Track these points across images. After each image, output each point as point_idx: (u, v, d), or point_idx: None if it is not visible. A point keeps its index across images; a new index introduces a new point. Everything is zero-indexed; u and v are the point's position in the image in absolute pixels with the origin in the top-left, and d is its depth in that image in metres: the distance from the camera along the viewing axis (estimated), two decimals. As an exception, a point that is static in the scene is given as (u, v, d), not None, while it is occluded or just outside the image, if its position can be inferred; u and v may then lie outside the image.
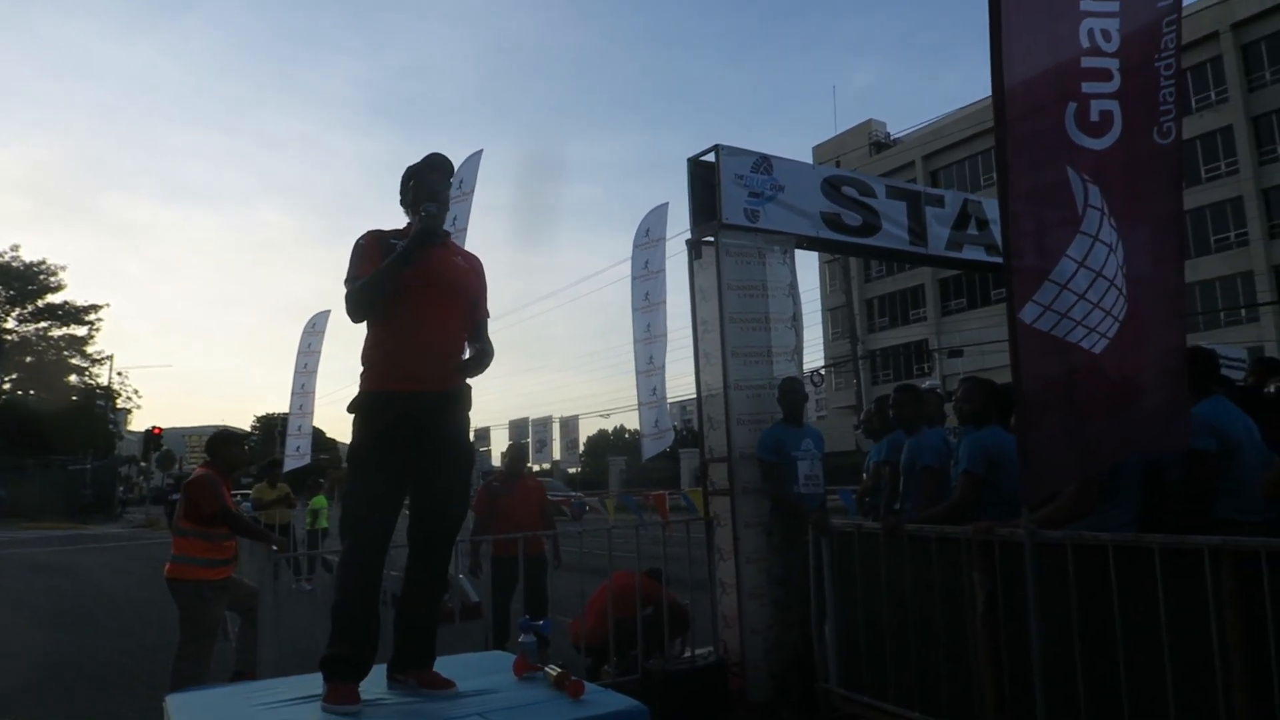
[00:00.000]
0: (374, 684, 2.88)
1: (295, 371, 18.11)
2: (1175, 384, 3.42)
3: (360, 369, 3.01)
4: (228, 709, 2.76)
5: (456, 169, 3.54)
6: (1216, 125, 34.38)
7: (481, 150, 7.84)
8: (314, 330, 18.41)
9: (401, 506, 3.03)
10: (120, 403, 52.06)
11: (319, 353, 18.24)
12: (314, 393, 17.93)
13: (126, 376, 63.79)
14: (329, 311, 18.68)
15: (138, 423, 57.67)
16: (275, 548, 4.61)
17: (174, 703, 2.83)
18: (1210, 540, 2.92)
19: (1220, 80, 34.50)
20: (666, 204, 12.21)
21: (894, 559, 4.16)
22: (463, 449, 3.12)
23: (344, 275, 2.96)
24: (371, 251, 2.95)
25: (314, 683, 2.95)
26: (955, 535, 3.84)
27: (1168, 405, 3.40)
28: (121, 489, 47.02)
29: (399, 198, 3.20)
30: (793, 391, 5.24)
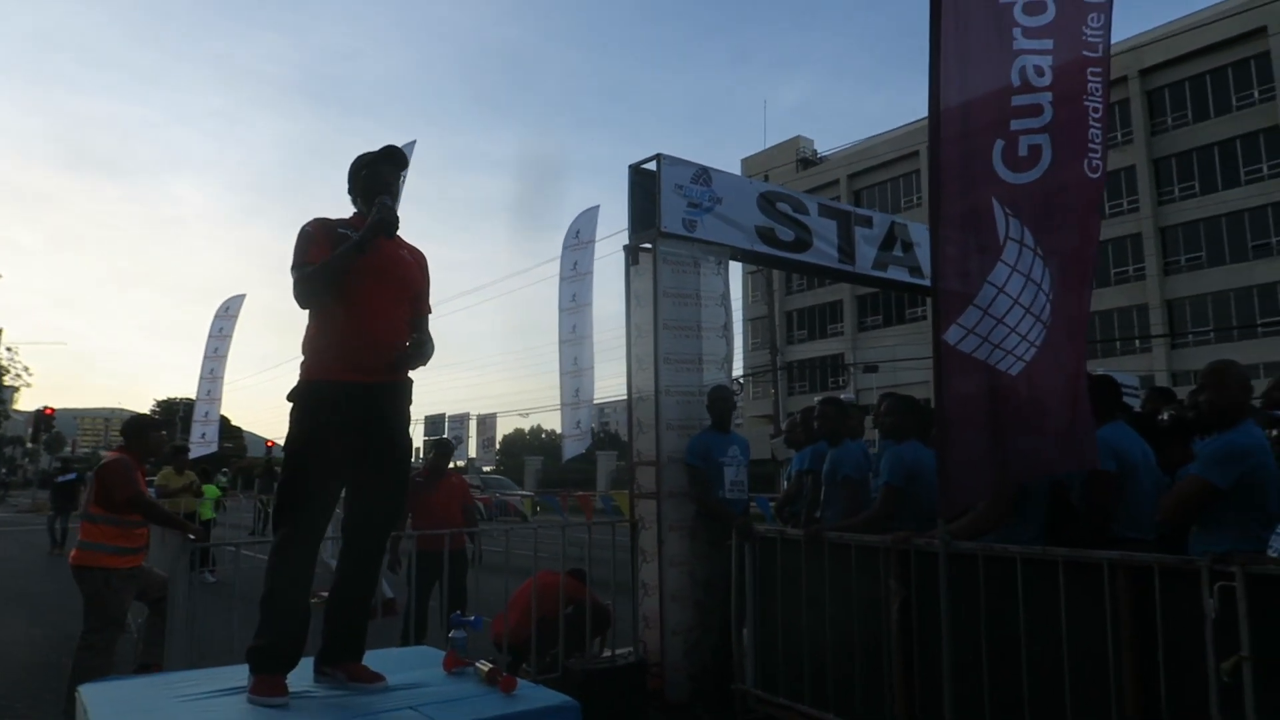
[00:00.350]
0: (301, 677, 2.85)
1: (204, 356, 17.52)
2: (1082, 407, 3.65)
3: (301, 358, 2.98)
4: (149, 701, 2.69)
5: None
6: (1120, 165, 36.25)
7: (415, 141, 7.76)
8: (226, 314, 17.84)
9: (338, 499, 3.01)
10: (8, 380, 49.25)
11: (230, 337, 17.69)
12: (223, 379, 17.40)
13: (16, 352, 60.39)
14: (243, 296, 18.14)
15: (25, 402, 54.67)
16: (192, 536, 4.48)
17: (89, 694, 2.74)
18: (1109, 555, 3.14)
19: (1126, 122, 36.42)
20: (597, 207, 12.29)
21: (815, 565, 4.30)
22: (403, 443, 3.11)
23: (290, 262, 2.92)
24: (320, 239, 2.93)
25: (237, 674, 2.90)
26: (874, 544, 4.00)
27: (1075, 427, 3.62)
28: (4, 470, 44.53)
29: (347, 187, 3.18)
30: (722, 399, 5.36)
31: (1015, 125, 3.75)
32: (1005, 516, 3.74)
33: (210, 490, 13.18)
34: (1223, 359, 3.65)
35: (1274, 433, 3.08)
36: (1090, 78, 3.75)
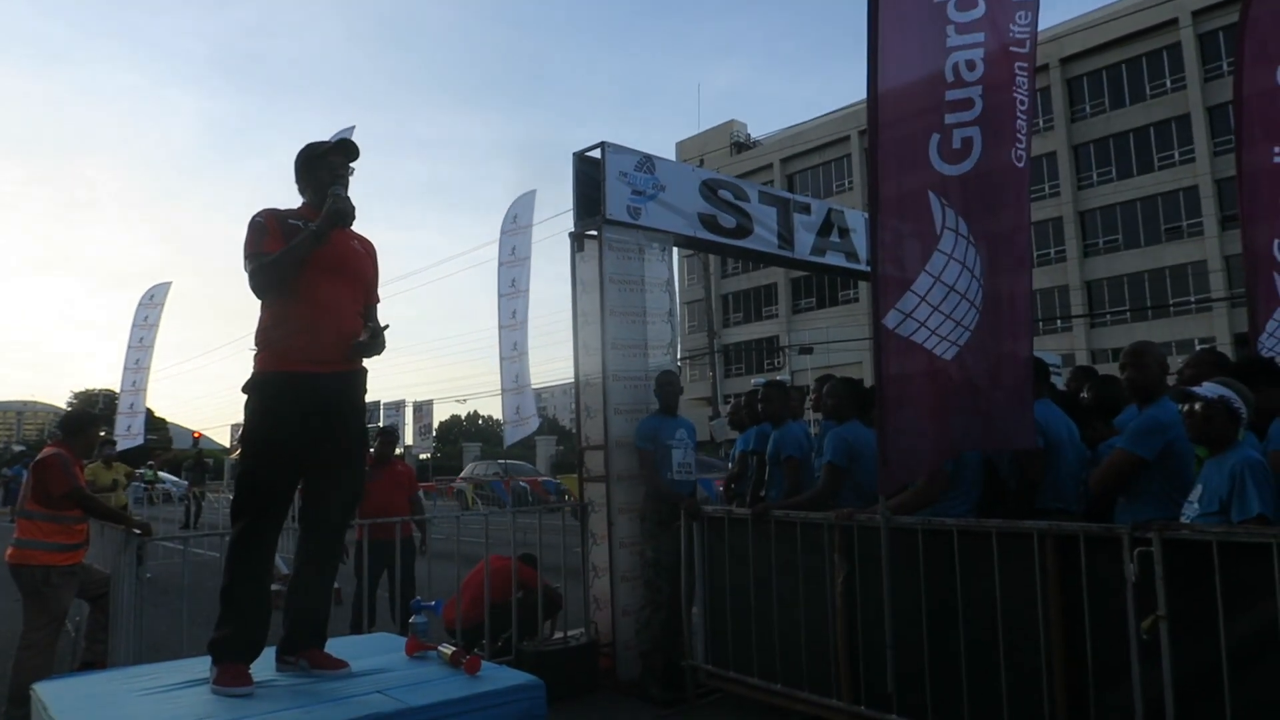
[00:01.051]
0: (264, 666, 2.86)
1: (129, 346, 16.95)
2: (1021, 387, 3.83)
3: (256, 350, 2.98)
4: (108, 694, 2.68)
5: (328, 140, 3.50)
6: (1042, 150, 37.45)
7: (354, 126, 7.67)
8: (151, 302, 17.28)
9: (296, 489, 3.02)
10: (-88, 372, 46.83)
11: (156, 326, 17.14)
12: (149, 369, 16.86)
13: (-80, 343, 57.43)
14: (169, 284, 17.59)
15: (-69, 395, 52.02)
16: (138, 531, 4.40)
17: (46, 691, 2.71)
18: (1039, 525, 3.35)
19: (1048, 109, 37.60)
20: (534, 191, 12.27)
21: (761, 543, 4.45)
22: (359, 431, 3.13)
23: (245, 253, 2.91)
24: (273, 230, 2.92)
25: (196, 666, 2.92)
26: (818, 520, 4.17)
27: (1012, 406, 3.81)
28: (-90, 468, 42.35)
29: (295, 177, 3.17)
30: (669, 384, 5.47)
31: (949, 119, 3.91)
32: (940, 492, 3.93)
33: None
34: (1142, 340, 3.89)
35: (1185, 408, 3.31)
36: (1018, 71, 3.93)
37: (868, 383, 4.66)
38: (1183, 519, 3.15)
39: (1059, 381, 6.32)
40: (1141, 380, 3.61)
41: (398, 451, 8.11)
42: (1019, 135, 3.86)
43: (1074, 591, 3.20)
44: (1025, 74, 3.86)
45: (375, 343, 3.03)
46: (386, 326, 3.07)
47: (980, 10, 3.84)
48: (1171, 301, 33.71)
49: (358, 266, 3.11)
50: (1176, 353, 22.61)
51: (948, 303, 3.82)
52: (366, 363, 3.10)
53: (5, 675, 4.56)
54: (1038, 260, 37.62)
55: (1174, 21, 33.54)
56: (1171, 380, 3.92)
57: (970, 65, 3.84)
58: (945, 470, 3.93)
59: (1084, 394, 4.77)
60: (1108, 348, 33.80)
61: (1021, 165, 3.87)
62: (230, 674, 2.68)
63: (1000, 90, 3.88)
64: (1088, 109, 37.21)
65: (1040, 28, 3.97)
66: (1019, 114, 3.86)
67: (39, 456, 4.78)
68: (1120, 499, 3.54)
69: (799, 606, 4.22)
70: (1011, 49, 3.90)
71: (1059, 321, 36.65)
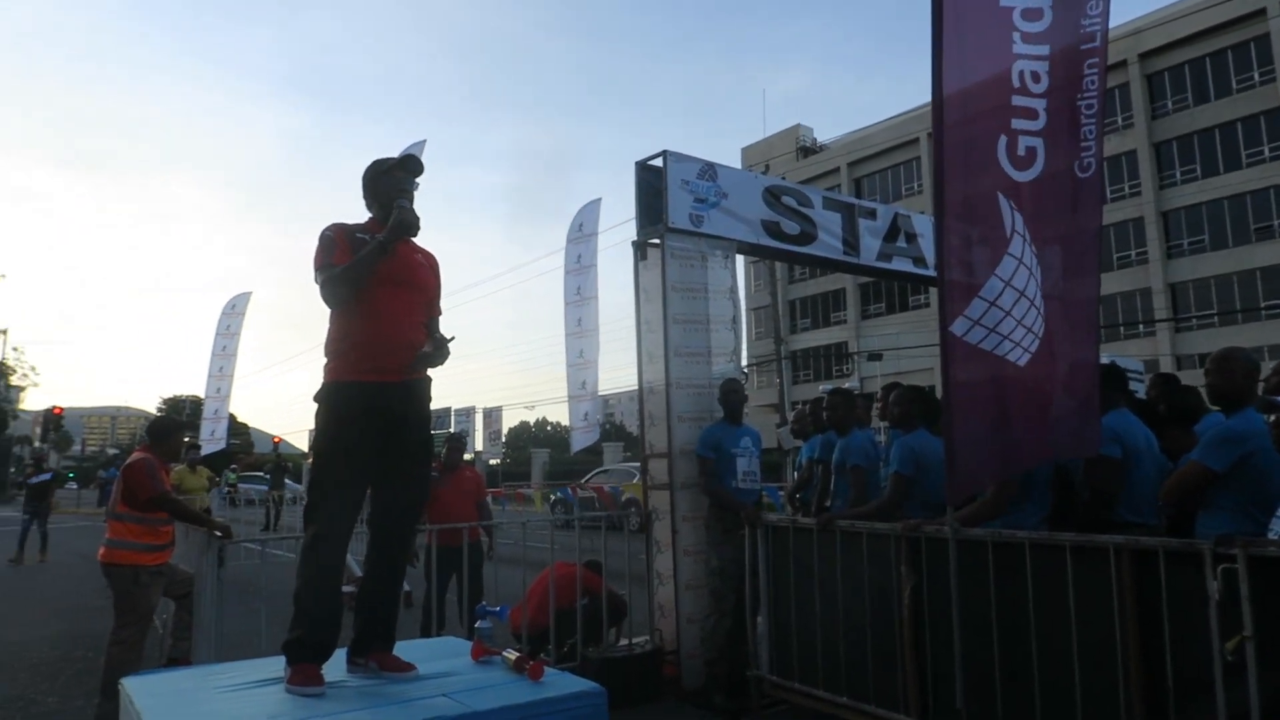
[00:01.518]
0: (334, 668, 2.95)
1: (213, 354, 17.60)
2: (1088, 395, 3.73)
3: (325, 360, 3.08)
4: (189, 691, 2.79)
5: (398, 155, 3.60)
6: (1121, 149, 36.23)
7: (425, 140, 7.83)
8: (233, 312, 17.92)
9: (365, 494, 3.10)
10: (15, 380, 49.48)
11: (238, 335, 17.76)
12: (232, 376, 17.49)
13: (22, 352, 60.73)
14: (249, 293, 18.23)
15: (31, 401, 54.93)
16: (219, 533, 4.58)
17: (133, 686, 2.84)
18: (1115, 539, 3.23)
19: (1126, 106, 36.36)
20: (599, 199, 12.35)
21: (826, 553, 4.40)
22: (425, 439, 3.21)
23: (315, 265, 3.01)
24: (341, 243, 3.02)
25: (272, 665, 3.01)
26: (884, 531, 4.10)
27: (1079, 414, 3.71)
28: (13, 470, 44.71)
29: (362, 192, 3.26)
30: (733, 392, 5.46)
31: (1015, 124, 3.82)
32: (1010, 503, 3.84)
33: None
34: (1231, 347, 3.73)
35: (1272, 418, 3.17)
36: (1086, 70, 3.82)
37: (939, 389, 4.58)
38: (1270, 534, 3.02)
39: (1140, 389, 6.11)
40: (1224, 388, 3.47)
41: (467, 457, 8.27)
42: (1085, 143, 3.75)
43: (1152, 608, 3.08)
44: (1095, 72, 3.75)
45: (439, 353, 3.10)
46: (451, 338, 3.15)
47: (1047, 21, 3.75)
48: (1262, 305, 32.17)
49: (421, 278, 3.19)
50: (1269, 358, 21.58)
51: (1018, 308, 3.73)
52: (432, 372, 3.17)
53: (99, 669, 4.78)
54: (1118, 263, 36.38)
55: (1261, 12, 32.09)
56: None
57: (1035, 77, 3.75)
58: (1014, 480, 3.83)
59: (1161, 407, 4.61)
60: (1194, 353, 32.46)
61: (1087, 175, 3.76)
62: (303, 674, 2.76)
63: (1066, 98, 3.79)
64: (1169, 105, 35.84)
65: (1118, 22, 3.90)
66: (1085, 120, 3.75)
67: (127, 461, 5.00)
68: (1199, 513, 3.40)
69: (865, 618, 4.15)
70: (1081, 46, 3.79)
71: (1141, 326, 35.32)
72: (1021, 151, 3.80)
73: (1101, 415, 3.87)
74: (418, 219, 3.04)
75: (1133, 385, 5.97)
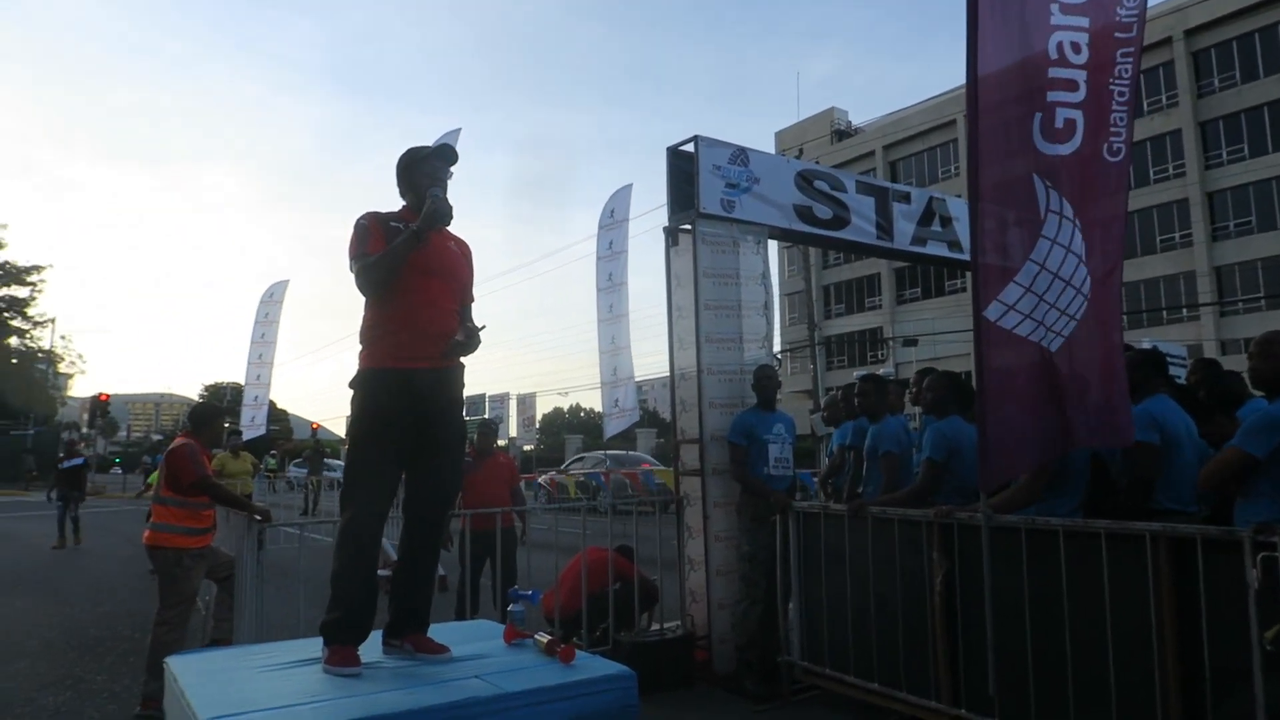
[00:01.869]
0: (370, 649, 3.00)
1: (252, 341, 17.90)
2: (1118, 380, 3.68)
3: (360, 347, 3.12)
4: (231, 670, 2.86)
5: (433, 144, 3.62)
6: (1165, 129, 35.38)
7: (460, 129, 7.87)
8: (271, 299, 18.20)
9: (399, 479, 3.15)
10: (63, 367, 50.75)
11: (277, 322, 18.04)
12: (272, 363, 17.78)
13: (70, 340, 62.23)
14: (287, 281, 18.49)
15: (78, 388, 56.35)
16: (259, 517, 4.68)
17: (177, 665, 2.92)
18: (1151, 526, 3.19)
19: (1171, 85, 35.47)
20: (630, 186, 12.34)
21: (858, 539, 4.39)
22: (457, 425, 3.25)
23: (350, 254, 3.05)
24: (376, 232, 3.05)
25: (310, 646, 3.08)
26: (917, 518, 4.08)
27: (1112, 400, 3.66)
28: (61, 456, 45.94)
29: (396, 180, 3.29)
30: (767, 378, 5.45)
31: (1052, 97, 3.76)
32: (1044, 490, 3.80)
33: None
34: (1275, 330, 3.64)
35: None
36: (1119, 59, 3.75)
37: (974, 375, 4.54)
38: (1313, 522, 2.95)
39: (1181, 374, 5.99)
40: (1267, 372, 3.39)
41: (500, 443, 8.36)
42: (1114, 128, 3.69)
43: (1189, 597, 3.04)
44: (1129, 60, 3.68)
45: (471, 341, 3.13)
46: (483, 326, 3.17)
47: (1085, -5, 3.68)
48: (1313, 287, 31.32)
49: (454, 266, 3.21)
50: (1318, 342, 20.98)
51: (1052, 291, 3.69)
52: (465, 359, 3.20)
53: (145, 649, 4.91)
54: (1161, 245, 35.60)
55: (1316, -15, 31.09)
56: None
57: (1075, 47, 3.69)
58: (1049, 467, 3.79)
59: (1201, 393, 4.52)
60: (1239, 337, 31.67)
61: (1116, 160, 3.70)
62: (340, 655, 2.82)
63: (1103, 77, 3.72)
64: (1216, 83, 34.88)
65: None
66: (1116, 105, 3.68)
67: (170, 447, 5.12)
68: (1238, 499, 3.34)
69: (897, 605, 4.14)
70: (1116, 34, 3.72)
71: (1184, 310, 34.55)
72: (1060, 124, 3.74)
73: (1141, 401, 3.81)
74: (450, 208, 3.07)
75: (1174, 370, 5.88)
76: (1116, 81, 3.70)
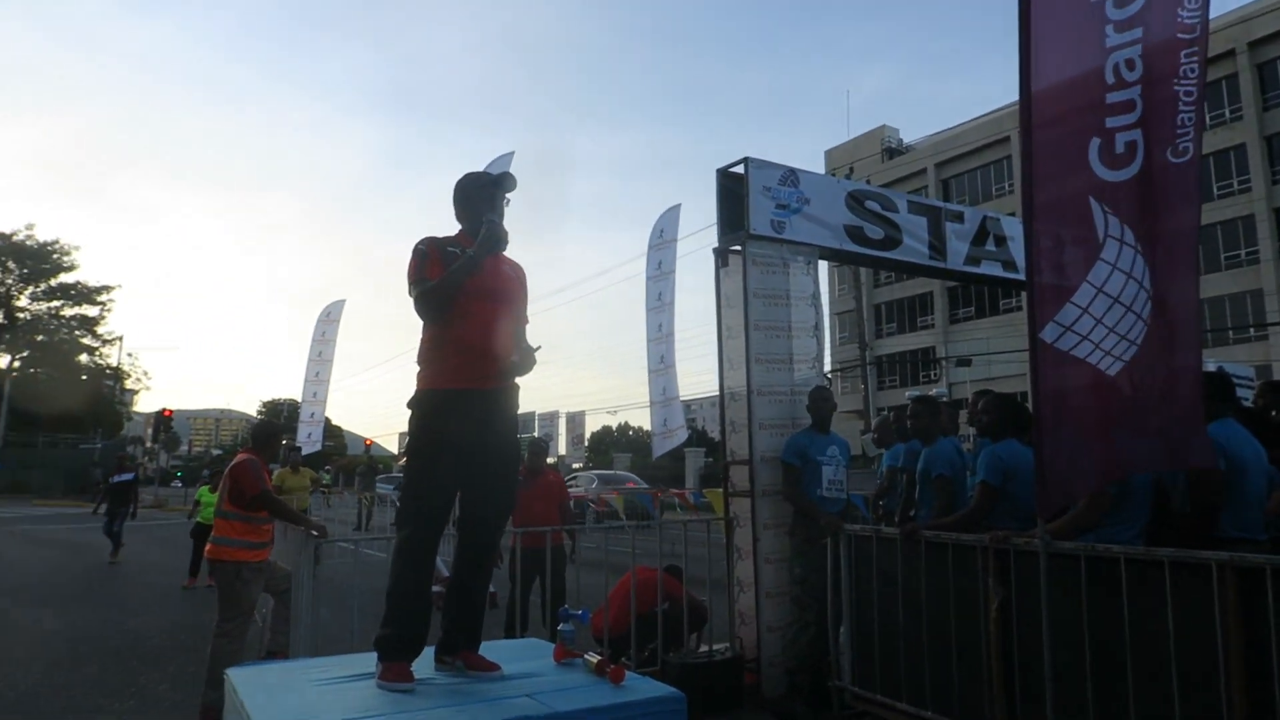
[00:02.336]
0: (422, 665, 3.05)
1: (309, 359, 18.33)
2: (1191, 403, 3.57)
3: (418, 368, 3.20)
4: (289, 683, 2.93)
5: (485, 168, 3.71)
6: (1230, 143, 34.42)
7: (513, 152, 7.99)
8: (328, 319, 18.64)
9: (455, 498, 3.20)
10: (129, 384, 52.45)
11: (334, 341, 18.46)
12: (328, 381, 18.18)
13: (136, 358, 64.32)
14: (344, 301, 18.92)
15: (143, 404, 58.12)
16: (316, 532, 4.79)
17: (236, 677, 3.00)
18: (1218, 555, 3.09)
19: (1235, 98, 34.53)
20: (679, 205, 12.39)
21: (911, 563, 4.33)
22: (512, 445, 3.30)
23: (409, 279, 3.12)
24: (434, 258, 3.13)
25: (365, 661, 3.13)
26: (971, 543, 4.01)
27: (1182, 424, 3.55)
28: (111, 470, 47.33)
29: (454, 205, 3.37)
30: (822, 400, 5.43)
31: (1111, 122, 3.69)
32: (1103, 516, 3.71)
33: (204, 494, 11.22)
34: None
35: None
36: (1184, 60, 3.66)
37: (1030, 397, 4.46)
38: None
39: (1249, 397, 5.81)
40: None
41: (550, 461, 8.43)
42: (1181, 129, 3.60)
43: (1258, 629, 2.94)
44: (1194, 62, 3.60)
45: (526, 362, 3.19)
46: (538, 348, 3.22)
47: (1139, 4, 3.62)
48: (1390, 306, 30.09)
49: (509, 289, 3.28)
50: (1397, 363, 20.15)
51: (1111, 315, 3.61)
52: (519, 378, 3.25)
53: (205, 659, 5.04)
54: (1226, 263, 34.55)
55: (1390, -6, 30.07)
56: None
57: (1130, 65, 3.62)
58: (1108, 492, 3.70)
59: (1274, 413, 4.38)
60: (1312, 358, 30.53)
61: (1183, 160, 3.61)
62: (393, 671, 2.87)
63: (1163, 85, 3.64)
64: (1284, 96, 33.86)
65: (1224, 10, 3.74)
66: (1183, 107, 3.60)
67: (234, 462, 5.27)
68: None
69: (950, 631, 4.07)
70: (1179, 35, 3.65)
71: (1251, 330, 33.42)
72: (1120, 149, 3.67)
73: (1206, 425, 3.71)
74: (506, 234, 3.13)
75: (1241, 393, 5.70)
76: (1182, 82, 3.62)
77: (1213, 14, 3.76)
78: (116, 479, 14.53)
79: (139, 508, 14.47)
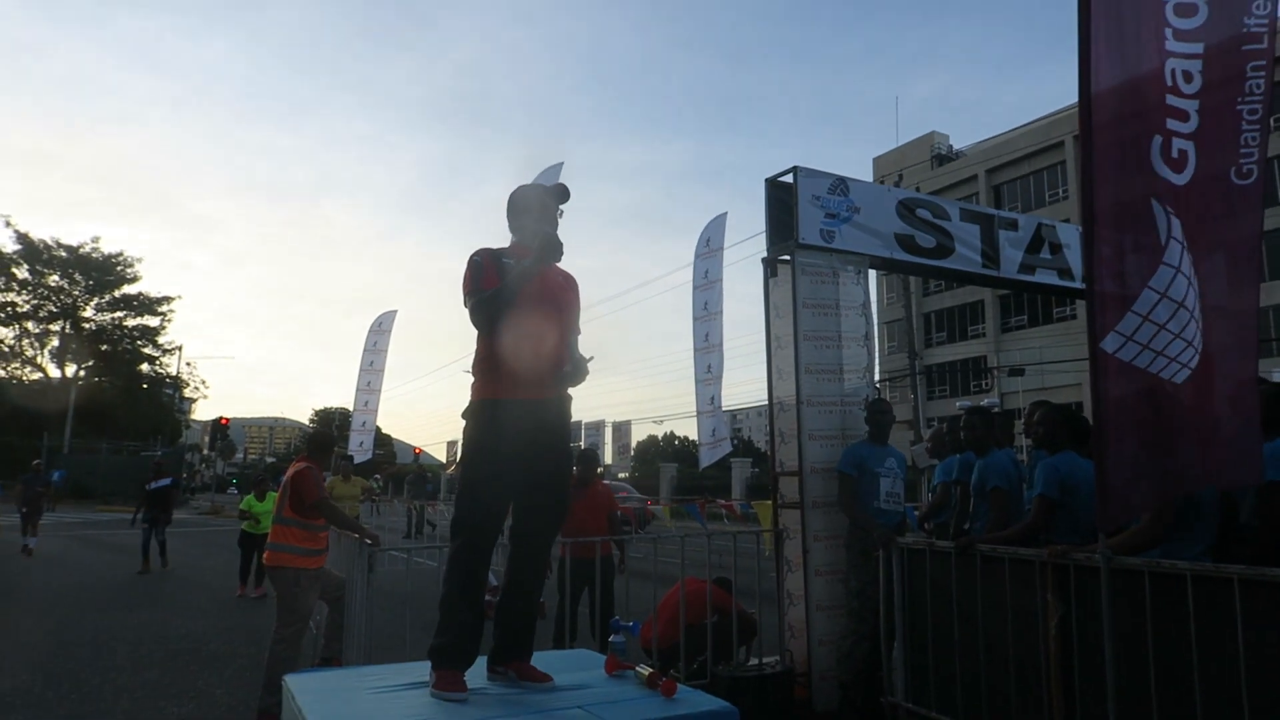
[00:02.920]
0: (474, 675, 3.07)
1: (360, 369, 18.65)
2: (1249, 415, 3.46)
3: (473, 379, 3.23)
4: (345, 690, 2.97)
5: (534, 179, 3.73)
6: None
7: (562, 163, 8.05)
8: (380, 329, 18.95)
9: (508, 508, 3.22)
10: (187, 392, 53.89)
11: (385, 351, 18.77)
12: (380, 391, 18.46)
13: (194, 367, 66.10)
14: (395, 312, 19.22)
15: (200, 412, 59.66)
16: (370, 540, 4.86)
17: (295, 683, 3.05)
18: (1290, 574, 2.98)
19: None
20: (725, 214, 12.36)
21: (965, 578, 4.25)
22: (565, 455, 3.32)
23: (464, 289, 3.15)
24: (490, 268, 3.15)
25: (418, 669, 3.18)
26: (1029, 557, 3.92)
27: (1242, 436, 3.45)
28: (184, 476, 48.47)
29: (506, 215, 3.40)
30: (881, 412, 5.38)
31: (1170, 125, 3.60)
32: (1166, 531, 3.60)
33: (250, 503, 11.06)
34: None
35: None
36: (1250, 73, 3.56)
37: (1086, 406, 4.35)
38: None
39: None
40: None
41: (598, 471, 8.43)
42: (1245, 150, 3.50)
43: (1336, 651, 2.83)
44: (1260, 76, 3.49)
45: (579, 372, 3.21)
46: (591, 358, 3.24)
47: (1201, 17, 3.53)
48: None
49: (562, 300, 3.30)
50: None
51: (1176, 321, 3.50)
52: (571, 389, 3.27)
53: (262, 664, 5.15)
54: (1270, 273, 33.41)
55: None
56: None
57: (1187, 76, 3.53)
58: (1172, 506, 3.59)
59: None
60: (1386, 367, 29.31)
61: (1246, 182, 3.51)
62: (448, 680, 2.89)
63: (1223, 99, 3.54)
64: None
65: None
66: (1247, 125, 3.50)
67: (294, 470, 5.36)
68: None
69: (1007, 647, 3.98)
70: (1244, 46, 3.54)
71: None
72: (1175, 154, 3.58)
73: (1273, 438, 3.58)
74: (561, 245, 3.15)
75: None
76: (1247, 99, 3.52)
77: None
78: (154, 485, 13.74)
79: (167, 513, 13.80)
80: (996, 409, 6.23)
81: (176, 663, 6.88)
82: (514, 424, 3.05)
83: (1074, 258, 6.81)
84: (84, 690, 5.97)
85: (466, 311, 3.14)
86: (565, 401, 3.26)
